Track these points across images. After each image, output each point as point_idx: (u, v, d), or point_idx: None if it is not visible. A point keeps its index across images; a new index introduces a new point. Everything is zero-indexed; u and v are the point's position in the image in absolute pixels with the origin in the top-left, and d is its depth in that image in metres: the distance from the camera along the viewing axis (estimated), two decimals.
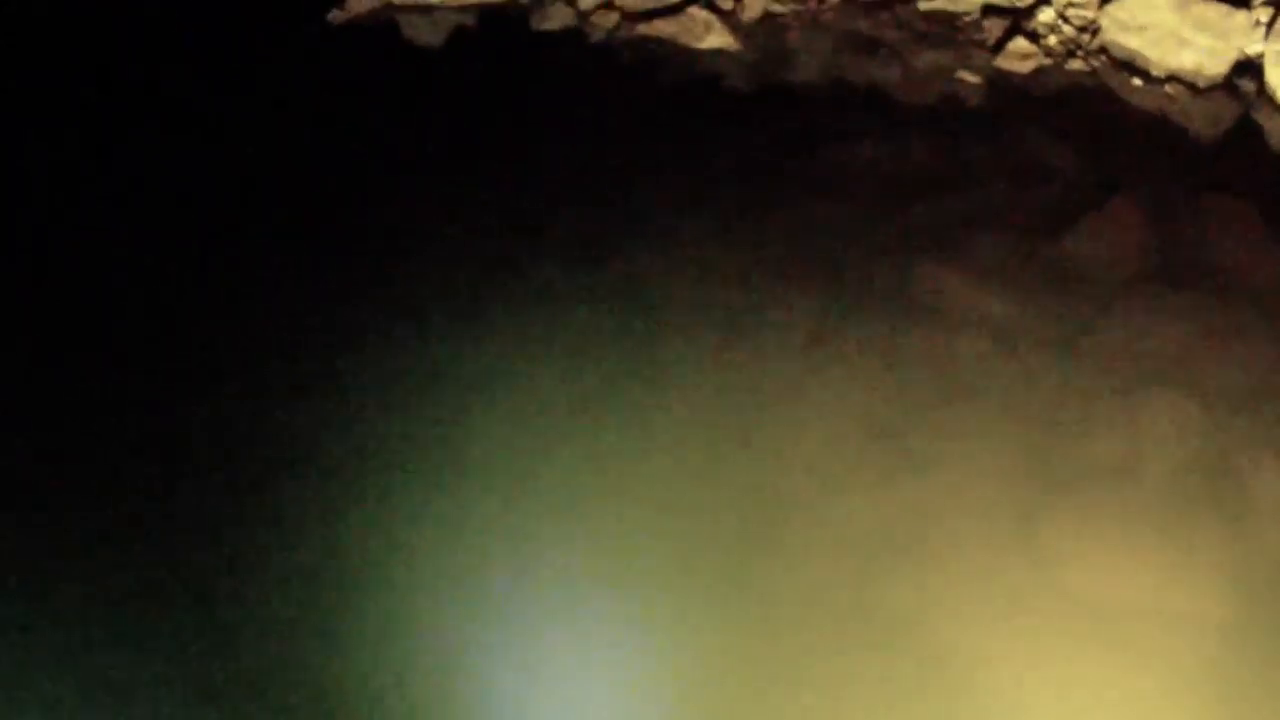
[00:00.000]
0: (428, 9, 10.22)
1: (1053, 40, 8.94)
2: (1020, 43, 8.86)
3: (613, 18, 9.70)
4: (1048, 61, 8.80)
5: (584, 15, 9.86)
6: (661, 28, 9.43)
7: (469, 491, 7.08)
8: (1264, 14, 8.53)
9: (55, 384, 7.72)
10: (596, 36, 9.74)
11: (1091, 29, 8.92)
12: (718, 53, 9.25)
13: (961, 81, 8.83)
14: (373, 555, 6.72)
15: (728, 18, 9.37)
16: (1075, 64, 8.79)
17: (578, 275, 8.14)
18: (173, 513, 6.91)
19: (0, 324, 8.11)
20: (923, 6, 9.38)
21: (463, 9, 10.20)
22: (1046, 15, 9.01)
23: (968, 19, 9.24)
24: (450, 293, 8.09)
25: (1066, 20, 8.98)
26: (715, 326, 7.76)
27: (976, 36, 9.12)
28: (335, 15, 10.28)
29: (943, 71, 8.98)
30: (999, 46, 8.90)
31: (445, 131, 9.32)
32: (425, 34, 10.22)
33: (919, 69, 9.04)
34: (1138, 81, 8.66)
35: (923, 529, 6.15)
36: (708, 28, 9.22)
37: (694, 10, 9.38)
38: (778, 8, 9.52)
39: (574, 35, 9.85)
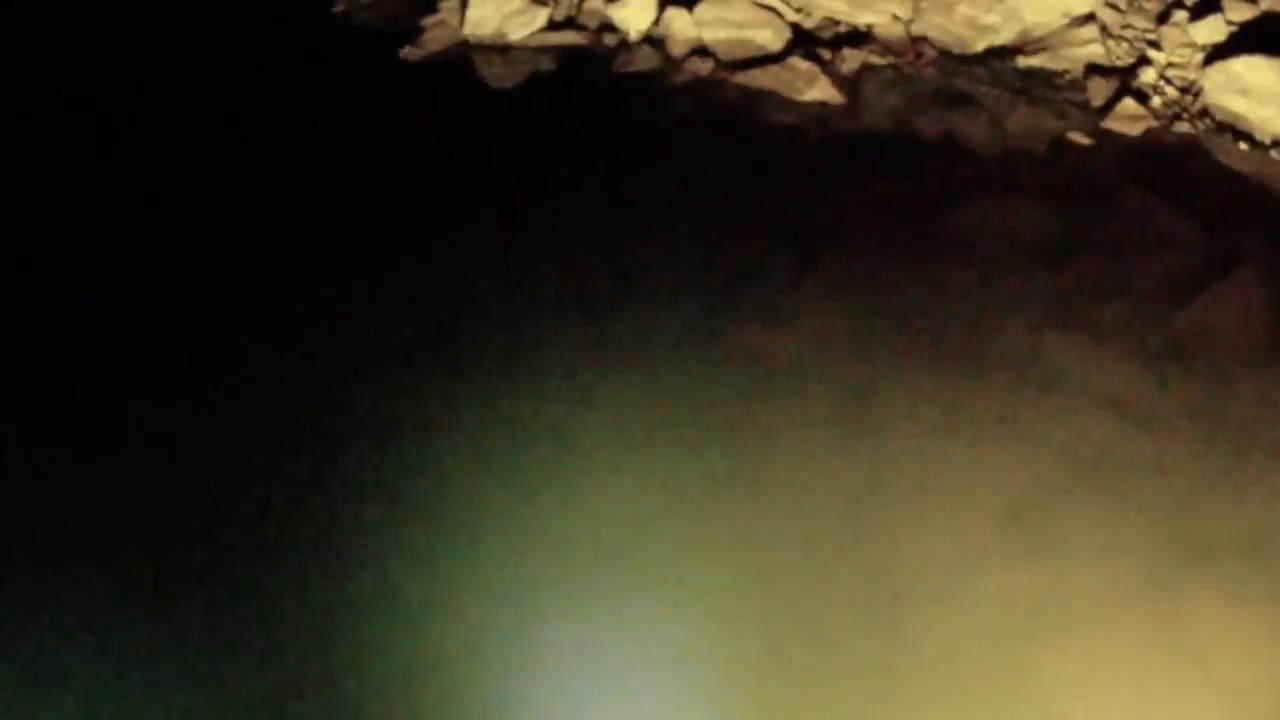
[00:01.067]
0: (505, 49, 9.93)
1: (1156, 101, 8.88)
2: (1128, 104, 8.78)
3: (706, 65, 9.52)
4: (1155, 124, 8.71)
5: (674, 61, 9.63)
6: (760, 78, 9.24)
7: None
8: None
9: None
10: (684, 81, 9.49)
11: (1193, 90, 8.87)
12: (820, 105, 8.97)
13: (1071, 143, 8.70)
14: None
15: (827, 68, 9.15)
16: (1182, 126, 8.71)
17: (686, 345, 7.86)
18: None
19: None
20: (1021, 63, 9.26)
21: (543, 50, 9.92)
22: (1148, 75, 8.95)
23: (1067, 77, 9.13)
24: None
25: (1169, 81, 8.93)
26: (838, 402, 7.54)
27: (1077, 96, 9.02)
28: (409, 52, 9.96)
29: (1047, 131, 8.83)
30: (1107, 107, 8.81)
31: (520, 174, 8.95)
32: (501, 74, 9.91)
33: (1021, 127, 8.90)
34: (1243, 146, 8.62)
35: (1063, 611, 5.98)
36: (810, 80, 9.05)
37: (795, 61, 9.17)
38: (875, 60, 9.36)
39: (661, 80, 9.59)
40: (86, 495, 6.80)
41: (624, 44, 9.60)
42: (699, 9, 9.38)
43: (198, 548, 6.57)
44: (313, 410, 7.33)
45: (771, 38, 9.21)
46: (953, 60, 9.18)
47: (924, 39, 9.27)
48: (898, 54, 9.13)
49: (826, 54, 9.27)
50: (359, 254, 8.37)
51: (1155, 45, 8.91)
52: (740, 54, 9.23)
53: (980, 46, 9.21)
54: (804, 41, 9.31)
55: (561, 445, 7.08)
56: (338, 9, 10.48)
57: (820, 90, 8.88)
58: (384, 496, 6.81)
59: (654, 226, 8.44)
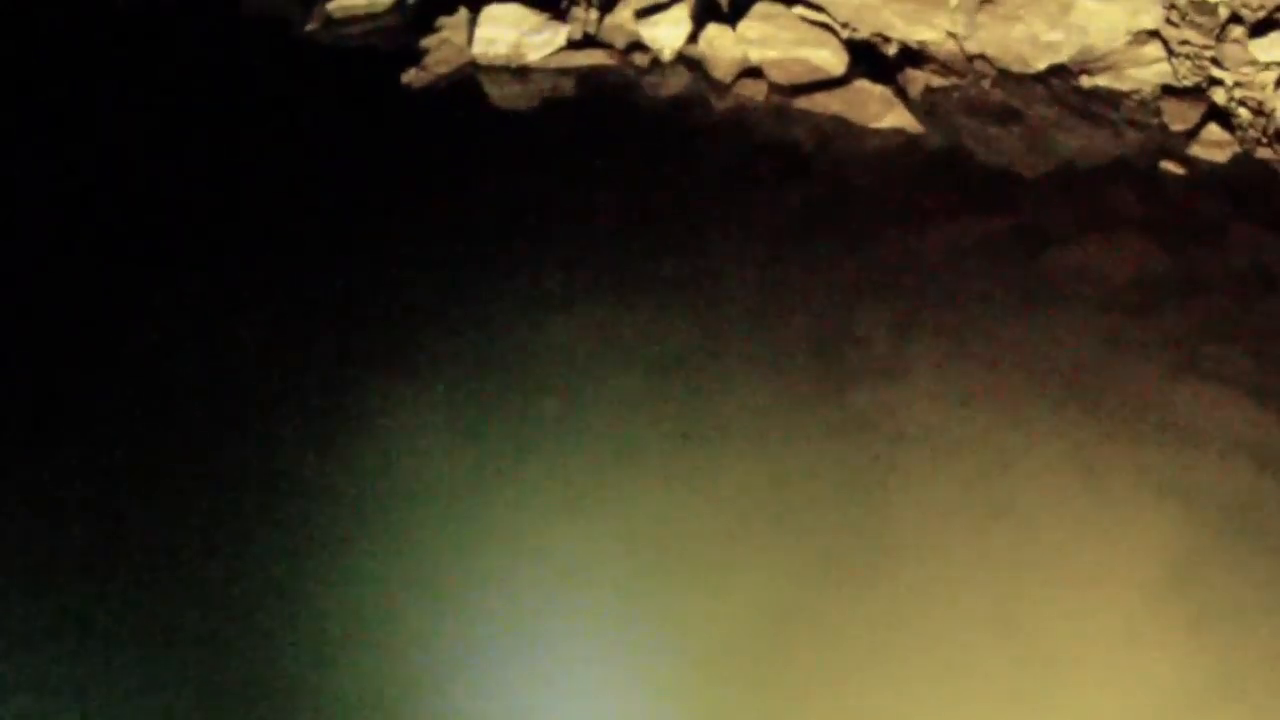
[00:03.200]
0: (522, 71, 8.91)
1: (1236, 125, 8.49)
2: (1214, 129, 8.35)
3: (759, 88, 8.69)
4: (1239, 149, 8.30)
5: (718, 84, 8.78)
6: (826, 103, 8.47)
7: None
8: None
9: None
10: (735, 107, 8.67)
11: (1265, 111, 8.50)
12: (895, 133, 8.27)
13: (1165, 172, 8.22)
14: None
15: (899, 92, 8.46)
16: (1263, 152, 8.32)
17: (794, 413, 7.09)
18: None
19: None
20: (1085, 83, 8.75)
21: (564, 71, 8.94)
22: (1218, 96, 8.55)
23: (1135, 98, 8.66)
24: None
25: (1242, 103, 8.54)
26: (969, 467, 6.89)
27: (1149, 119, 8.55)
28: (414, 76, 8.86)
29: (1134, 158, 8.35)
30: (1193, 132, 8.36)
31: (558, 216, 8.03)
32: (521, 99, 8.90)
33: (1105, 154, 8.39)
34: None
35: (1238, 686, 5.50)
36: (885, 106, 8.33)
37: (864, 84, 8.43)
38: (937, 80, 8.72)
39: (707, 106, 8.74)
40: None
41: (656, 64, 8.70)
42: (743, 25, 8.55)
43: None
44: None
45: (830, 58, 8.43)
46: (1012, 80, 8.57)
47: (981, 56, 8.60)
48: (959, 74, 8.39)
49: (890, 76, 8.34)
50: (365, 302, 7.56)
51: (1217, 63, 8.41)
52: (799, 76, 8.31)
53: (1042, 65, 8.64)
54: (860, 60, 8.43)
55: (671, 546, 6.33)
56: (310, 28, 9.18)
57: (897, 117, 8.16)
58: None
59: (729, 277, 7.63)
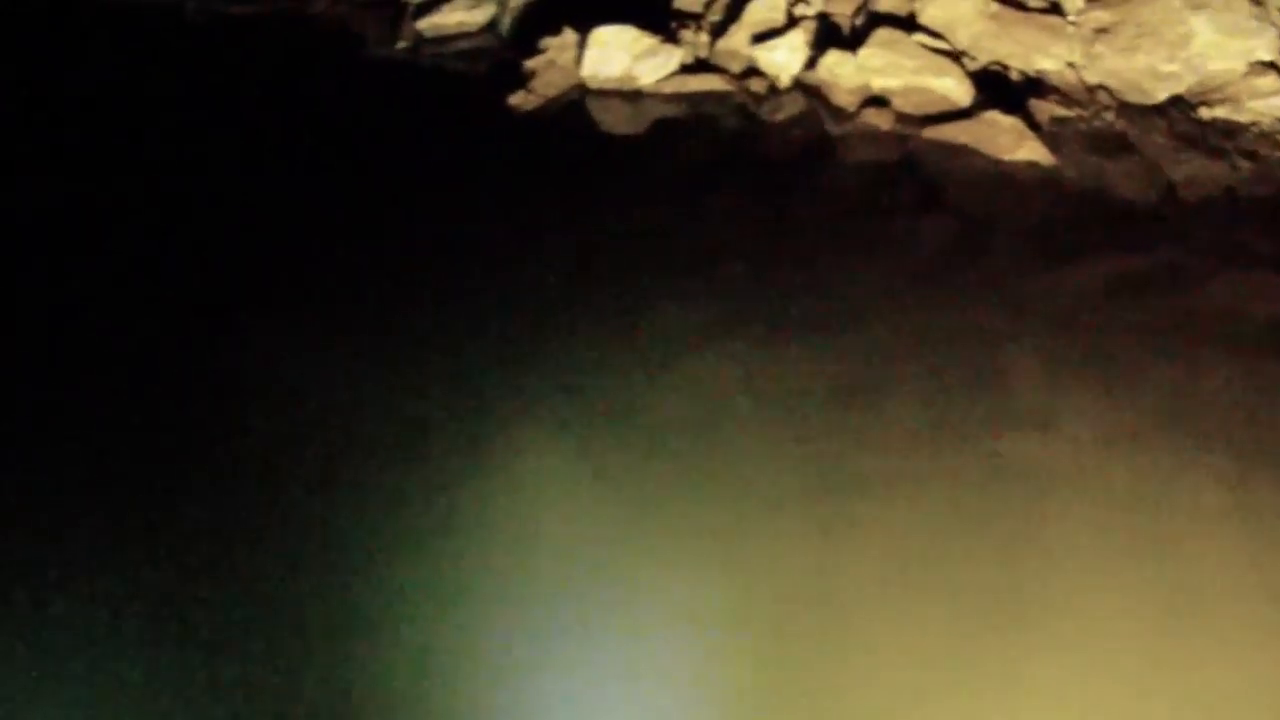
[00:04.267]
0: (635, 95, 8.64)
1: None
2: None
3: (884, 118, 8.48)
4: None
5: (839, 111, 8.58)
6: (954, 133, 8.30)
7: None
8: None
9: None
10: (859, 135, 8.47)
11: None
12: (1028, 166, 8.12)
13: None
14: None
15: (1031, 124, 8.31)
16: None
17: (936, 459, 6.90)
18: None
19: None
20: (1204, 115, 8.67)
21: (678, 97, 8.68)
22: None
23: (1254, 130, 8.60)
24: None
25: None
26: (1130, 521, 6.67)
27: (1273, 153, 8.49)
28: (522, 100, 8.56)
29: (1260, 193, 8.26)
30: None
31: (687, 248, 7.78)
32: (636, 124, 8.63)
33: (1232, 188, 8.29)
34: None
35: None
36: (1018, 138, 8.17)
37: (995, 115, 8.27)
38: (1061, 111, 8.58)
39: (832, 135, 8.53)
40: None
41: (774, 90, 8.47)
42: (864, 52, 8.36)
43: None
44: None
45: (955, 87, 8.25)
46: (1133, 111, 8.42)
47: (1101, 87, 8.47)
48: (1081, 104, 8.26)
49: (1014, 106, 8.18)
50: (481, 339, 7.26)
51: None
52: (924, 106, 8.13)
53: (1161, 96, 8.52)
54: (981, 90, 8.27)
55: (823, 600, 6.00)
56: (401, 46, 8.84)
57: (1030, 150, 7.99)
58: None
59: (868, 317, 7.38)
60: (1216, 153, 8.51)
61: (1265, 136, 8.58)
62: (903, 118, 8.44)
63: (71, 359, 7.26)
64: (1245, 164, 8.44)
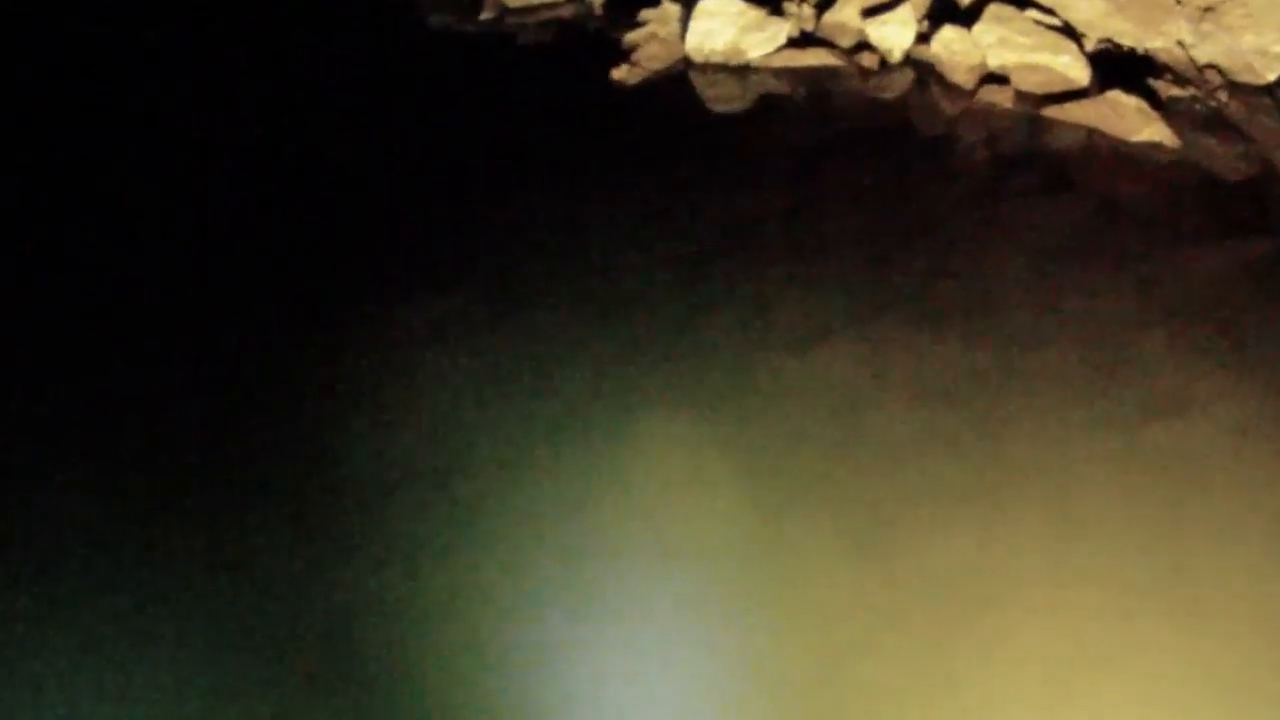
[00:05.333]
0: (742, 69, 8.33)
1: None
2: None
3: (1004, 95, 8.25)
4: None
5: (954, 88, 8.34)
6: (1077, 114, 8.09)
7: None
8: None
9: None
10: (977, 114, 8.23)
11: None
12: (1152, 147, 7.95)
13: None
14: None
15: (1154, 105, 8.13)
16: None
17: (1082, 446, 6.72)
18: None
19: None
20: None
21: (787, 71, 8.39)
22: None
23: None
24: None
25: None
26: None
27: None
28: (625, 74, 8.21)
29: None
30: None
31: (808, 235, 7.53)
32: (738, 97, 8.32)
33: None
34: None
35: None
36: (1143, 119, 7.98)
37: (1118, 96, 8.07)
38: (1176, 91, 8.42)
39: (950, 113, 8.28)
40: None
41: (885, 66, 8.18)
42: (979, 28, 8.11)
43: None
44: None
45: (1072, 64, 8.05)
46: (1244, 91, 8.24)
47: (1211, 66, 8.30)
48: (1194, 84, 8.09)
49: (1130, 85, 7.99)
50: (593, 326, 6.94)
51: None
52: (1044, 85, 7.91)
53: (1271, 76, 8.36)
54: (1096, 67, 8.06)
55: (972, 592, 5.78)
56: (485, 17, 8.44)
57: (1154, 131, 7.78)
58: None
59: (998, 301, 7.16)
60: None
61: None
62: (1022, 96, 8.16)
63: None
64: None
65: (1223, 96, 8.40)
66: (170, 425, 6.37)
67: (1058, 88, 8.20)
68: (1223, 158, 8.09)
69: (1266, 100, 8.49)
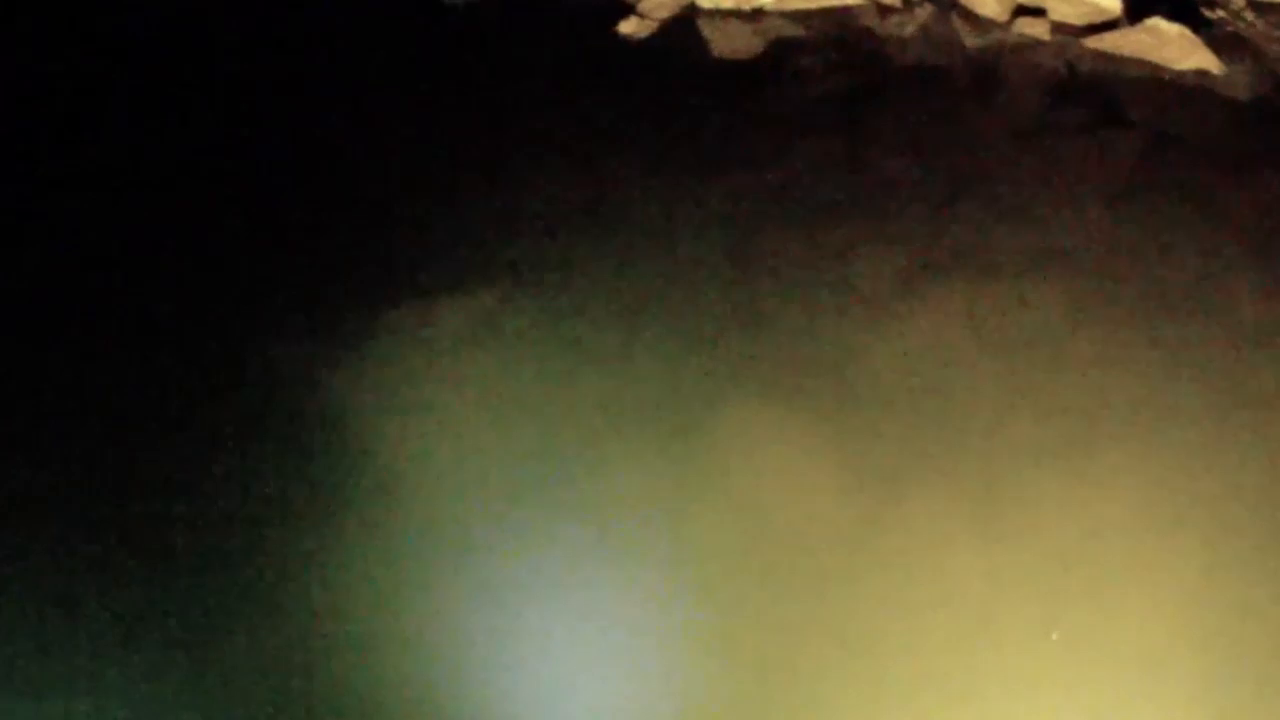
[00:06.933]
0: (755, 14, 7.64)
1: None
2: None
3: (1040, 28, 7.74)
4: None
5: (991, 24, 7.78)
6: (1120, 43, 7.64)
7: None
8: None
9: None
10: (1018, 48, 7.72)
11: None
12: (1199, 75, 7.55)
13: None
14: None
15: (1198, 31, 7.71)
16: None
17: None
18: None
19: None
20: None
21: (805, 15, 7.71)
22: None
23: None
24: None
25: None
26: None
27: None
28: (633, 27, 7.48)
29: None
30: None
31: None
32: (755, 45, 7.64)
33: None
34: None
35: None
36: (1187, 47, 7.58)
37: (1159, 23, 7.64)
38: (1207, 14, 8.02)
39: (987, 49, 7.74)
40: None
41: (908, 3, 7.50)
42: None
43: None
44: None
45: None
46: (1267, 11, 7.88)
47: None
48: (1222, 7, 7.69)
49: (1169, 12, 7.57)
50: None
51: None
52: (1080, 15, 7.42)
53: None
54: None
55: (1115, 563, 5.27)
56: None
57: (1200, 58, 7.36)
58: None
59: (1069, 239, 6.77)
60: None
61: None
62: (1060, 27, 7.59)
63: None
64: None
65: (1249, 17, 7.92)
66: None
67: (1092, 19, 7.59)
68: (1267, 82, 7.62)
69: None
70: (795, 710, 4.71)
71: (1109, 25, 7.77)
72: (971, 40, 7.75)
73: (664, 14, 7.53)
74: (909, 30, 7.75)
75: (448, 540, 5.23)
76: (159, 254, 6.45)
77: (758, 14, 7.64)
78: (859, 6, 7.80)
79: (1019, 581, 5.13)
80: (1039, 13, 7.75)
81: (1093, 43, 7.67)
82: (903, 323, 6.25)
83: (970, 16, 7.75)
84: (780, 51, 7.63)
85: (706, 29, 7.58)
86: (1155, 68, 7.64)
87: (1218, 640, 4.82)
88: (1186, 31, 7.66)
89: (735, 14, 7.62)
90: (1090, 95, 7.55)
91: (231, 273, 6.32)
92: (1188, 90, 7.62)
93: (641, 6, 7.50)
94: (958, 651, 4.93)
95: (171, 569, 5.16)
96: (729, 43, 7.60)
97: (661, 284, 6.33)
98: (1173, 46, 7.62)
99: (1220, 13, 7.99)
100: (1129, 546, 5.19)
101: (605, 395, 5.83)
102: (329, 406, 5.77)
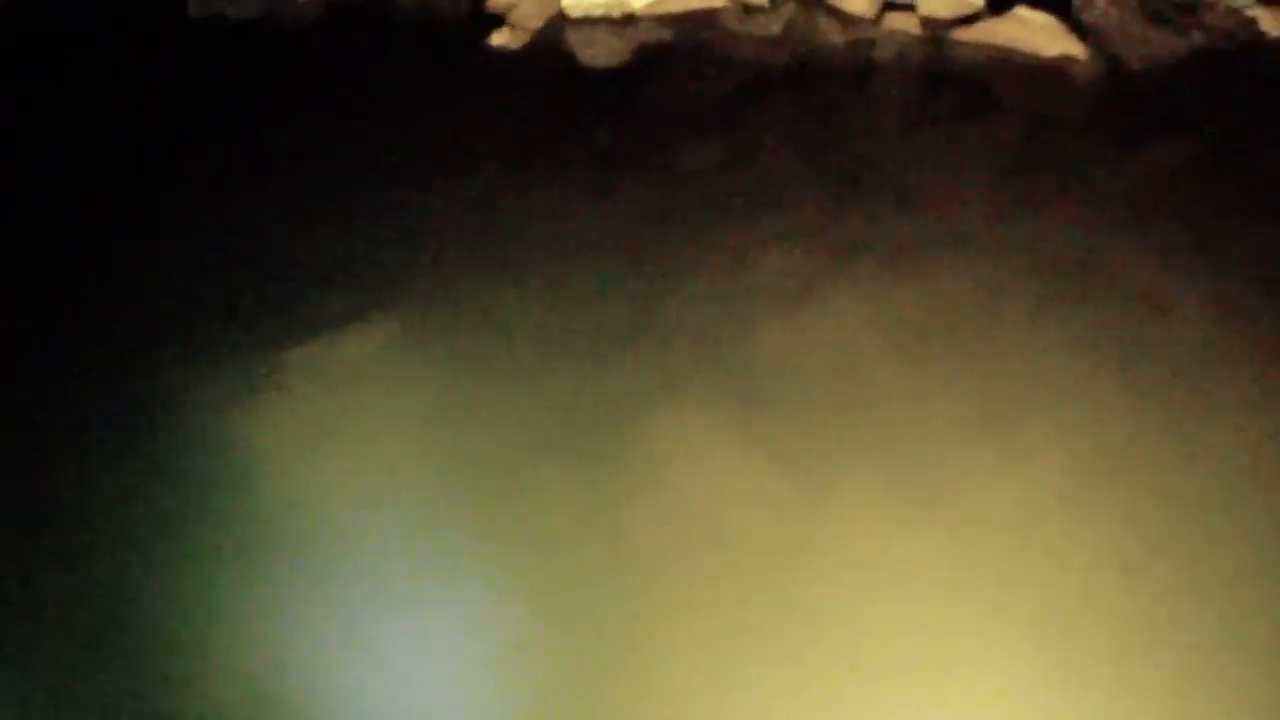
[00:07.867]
0: (626, 21, 7.57)
1: None
2: None
3: (910, 21, 7.81)
4: None
5: (860, 21, 7.83)
6: (989, 34, 7.76)
7: None
8: None
9: None
10: (889, 43, 7.77)
11: None
12: (1065, 61, 7.74)
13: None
14: None
15: (1062, 18, 7.89)
16: None
17: None
18: None
19: None
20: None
21: (673, 20, 7.64)
22: None
23: (1220, 7, 8.59)
24: None
25: None
26: None
27: (1244, 28, 8.50)
28: (505, 39, 7.30)
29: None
30: None
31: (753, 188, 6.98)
32: (627, 51, 7.55)
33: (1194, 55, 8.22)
34: None
35: None
36: (1052, 34, 7.76)
37: (1024, 12, 7.80)
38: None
39: (857, 45, 7.76)
40: None
41: (772, 3, 7.49)
42: None
43: None
44: None
45: None
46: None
47: None
48: None
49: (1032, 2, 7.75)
50: None
51: None
52: (949, 8, 7.52)
53: None
54: None
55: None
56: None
57: (1066, 44, 7.53)
58: None
59: (964, 227, 6.73)
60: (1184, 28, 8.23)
61: (1232, 12, 8.37)
62: (929, 21, 7.60)
63: None
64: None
65: (1101, 4, 8.08)
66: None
67: (960, 11, 7.63)
68: (1134, 63, 7.76)
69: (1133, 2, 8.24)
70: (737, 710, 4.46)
71: (976, 17, 7.75)
72: (842, 37, 7.66)
73: (536, 24, 7.29)
74: (779, 30, 7.62)
75: (345, 573, 4.81)
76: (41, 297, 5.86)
77: (629, 20, 7.40)
78: (724, 9, 7.62)
79: (954, 564, 4.95)
80: (908, 8, 7.69)
81: (961, 34, 7.67)
82: (812, 315, 6.11)
83: (838, 14, 7.70)
84: (655, 56, 7.44)
85: (579, 37, 7.35)
86: (1024, 55, 7.67)
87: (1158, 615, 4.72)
88: (1052, 19, 7.71)
89: (606, 21, 7.38)
90: (966, 84, 7.55)
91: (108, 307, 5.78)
92: (1055, 75, 7.66)
93: (512, 17, 7.19)
94: (899, 640, 4.75)
95: (39, 604, 4.79)
96: (604, 49, 7.39)
97: (561, 298, 6.02)
98: (1040, 34, 7.69)
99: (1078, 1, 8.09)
100: (1057, 518, 5.05)
101: (511, 413, 5.50)
102: (221, 440, 5.29)
